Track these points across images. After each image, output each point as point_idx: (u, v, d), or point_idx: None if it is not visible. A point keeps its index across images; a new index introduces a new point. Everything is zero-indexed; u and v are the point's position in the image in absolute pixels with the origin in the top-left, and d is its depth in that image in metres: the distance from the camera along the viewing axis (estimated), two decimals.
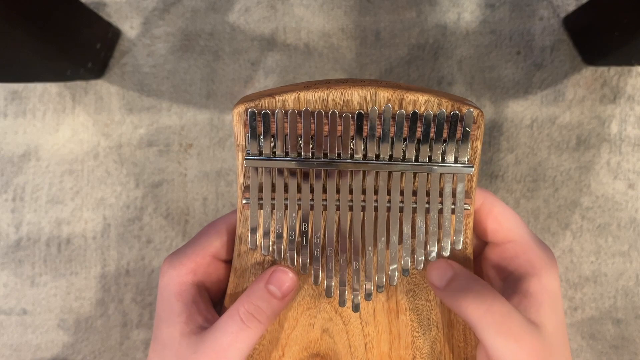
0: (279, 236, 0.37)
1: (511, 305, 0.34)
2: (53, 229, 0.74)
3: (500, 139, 0.74)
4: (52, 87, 0.75)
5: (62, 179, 0.75)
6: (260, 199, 0.36)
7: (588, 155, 0.74)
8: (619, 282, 0.73)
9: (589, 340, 0.72)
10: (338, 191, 0.36)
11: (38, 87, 0.76)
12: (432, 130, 0.35)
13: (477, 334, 0.33)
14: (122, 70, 0.76)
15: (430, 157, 0.36)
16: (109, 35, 0.75)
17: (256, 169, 0.36)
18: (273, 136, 0.35)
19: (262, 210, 0.37)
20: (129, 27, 0.77)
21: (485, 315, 0.33)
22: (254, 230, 0.37)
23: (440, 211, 0.37)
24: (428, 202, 0.36)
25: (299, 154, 0.35)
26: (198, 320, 0.36)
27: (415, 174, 0.36)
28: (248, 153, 0.35)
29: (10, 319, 0.74)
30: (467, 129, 0.35)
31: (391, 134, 0.35)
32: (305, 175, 0.36)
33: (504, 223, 0.38)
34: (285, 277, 0.36)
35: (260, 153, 0.35)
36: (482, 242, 0.40)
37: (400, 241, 0.37)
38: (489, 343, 0.32)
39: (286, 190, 0.36)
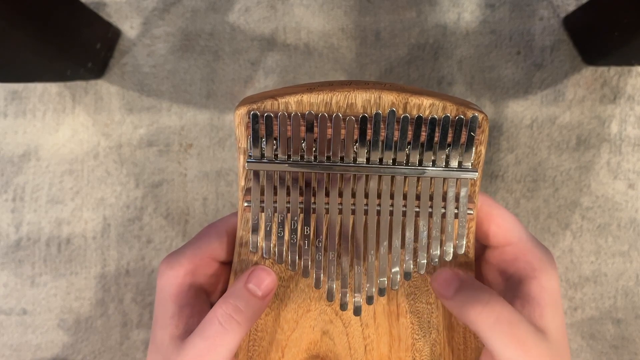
0: (280, 239, 0.37)
1: (518, 312, 0.34)
2: (53, 229, 0.74)
3: (500, 139, 0.74)
4: (52, 87, 0.75)
5: (62, 179, 0.75)
6: (262, 201, 0.36)
7: (588, 155, 0.74)
8: (619, 282, 0.73)
9: (589, 340, 0.72)
10: (341, 195, 0.36)
11: (38, 87, 0.75)
12: (437, 134, 0.35)
13: (486, 343, 0.33)
14: (122, 70, 0.76)
15: (434, 162, 0.35)
16: (109, 35, 0.74)
17: (258, 171, 0.36)
18: (275, 139, 0.35)
19: (263, 213, 0.36)
20: (129, 27, 0.76)
21: (494, 325, 0.33)
22: (255, 233, 0.37)
23: (443, 215, 0.36)
24: (431, 207, 0.36)
25: (302, 157, 0.35)
26: (189, 324, 0.36)
27: (418, 178, 0.36)
28: (250, 156, 0.35)
29: (10, 319, 0.74)
30: (472, 133, 0.35)
31: (395, 138, 0.34)
32: (308, 179, 0.36)
33: (502, 225, 0.38)
34: (265, 275, 0.36)
35: (262, 156, 0.35)
36: (481, 245, 0.40)
37: (403, 245, 0.37)
38: (499, 352, 0.33)
39: (288, 194, 0.36)
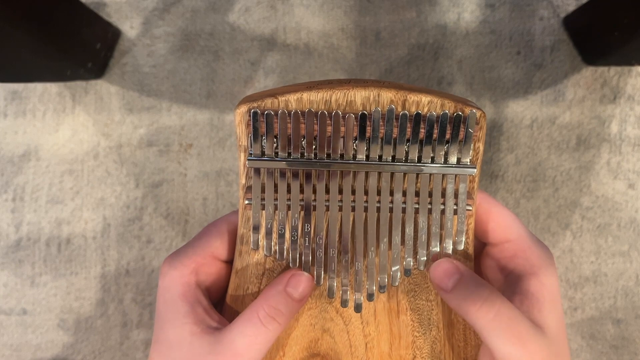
0: (281, 237, 0.37)
1: (517, 309, 0.34)
2: (53, 229, 0.74)
3: (500, 139, 0.74)
4: (52, 87, 0.75)
5: (62, 179, 0.75)
6: (263, 199, 0.36)
7: (588, 155, 0.74)
8: (619, 282, 0.73)
9: (589, 340, 0.72)
10: (340, 192, 0.36)
11: (38, 87, 0.75)
12: (435, 131, 0.35)
13: (484, 339, 0.33)
14: (122, 70, 0.76)
15: (432, 158, 0.36)
16: (109, 35, 0.74)
17: (258, 169, 0.36)
18: (275, 137, 0.35)
19: (264, 211, 0.37)
20: (129, 27, 0.76)
21: (493, 320, 0.33)
22: (255, 231, 0.37)
23: (443, 212, 0.37)
24: (430, 203, 0.36)
25: (302, 155, 0.35)
26: (207, 321, 0.36)
27: (417, 174, 0.36)
28: (250, 153, 0.35)
29: (10, 319, 0.74)
30: (470, 130, 0.35)
31: (394, 135, 0.35)
32: (308, 176, 0.36)
33: (501, 222, 0.38)
34: (303, 280, 0.37)
35: (263, 153, 0.35)
36: (480, 242, 0.40)
37: (403, 242, 0.37)
38: (497, 348, 0.33)
39: (288, 191, 0.36)
